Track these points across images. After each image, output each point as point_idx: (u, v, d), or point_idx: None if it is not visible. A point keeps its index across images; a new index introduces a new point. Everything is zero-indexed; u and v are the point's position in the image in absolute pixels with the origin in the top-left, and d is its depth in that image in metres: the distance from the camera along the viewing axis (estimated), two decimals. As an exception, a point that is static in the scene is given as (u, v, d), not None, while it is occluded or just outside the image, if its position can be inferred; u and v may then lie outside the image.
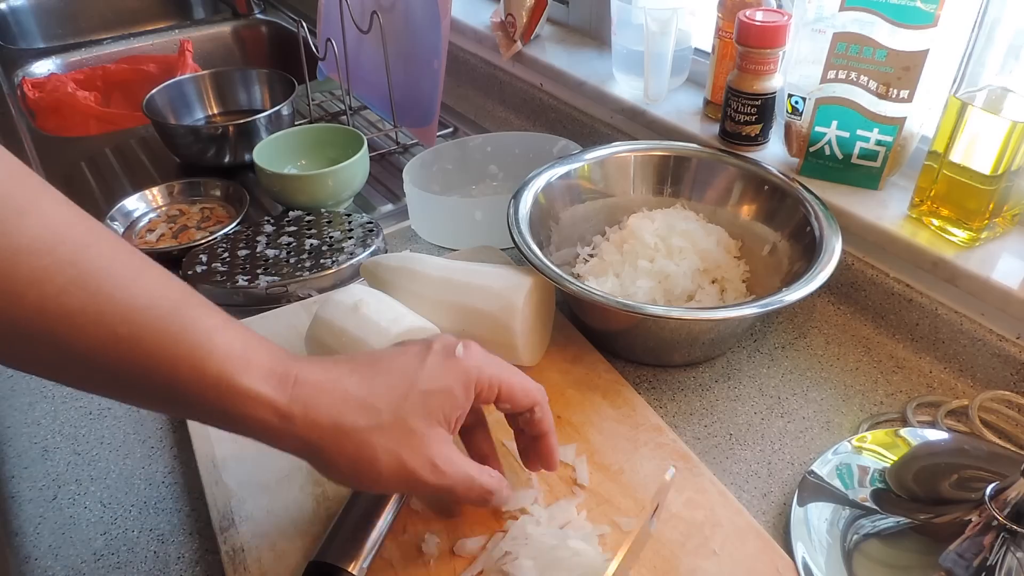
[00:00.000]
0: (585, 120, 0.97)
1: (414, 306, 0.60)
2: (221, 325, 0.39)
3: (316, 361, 0.41)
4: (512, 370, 0.46)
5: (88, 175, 0.99)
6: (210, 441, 0.57)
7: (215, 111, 1.11)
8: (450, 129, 1.08)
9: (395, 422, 0.40)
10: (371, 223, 0.81)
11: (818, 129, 0.70)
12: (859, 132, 0.68)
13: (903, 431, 0.57)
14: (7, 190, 0.35)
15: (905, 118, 0.66)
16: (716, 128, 0.80)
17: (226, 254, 0.77)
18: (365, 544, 0.46)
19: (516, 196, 0.68)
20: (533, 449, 0.49)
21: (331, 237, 0.79)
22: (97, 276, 0.36)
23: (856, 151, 0.69)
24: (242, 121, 0.94)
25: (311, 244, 0.77)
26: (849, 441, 0.56)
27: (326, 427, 0.39)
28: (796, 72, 0.71)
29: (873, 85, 0.66)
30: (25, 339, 0.35)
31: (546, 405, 0.47)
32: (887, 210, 0.68)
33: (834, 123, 0.69)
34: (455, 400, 0.42)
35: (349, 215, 0.82)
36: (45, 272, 0.34)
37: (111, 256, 0.37)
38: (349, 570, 0.45)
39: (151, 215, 0.87)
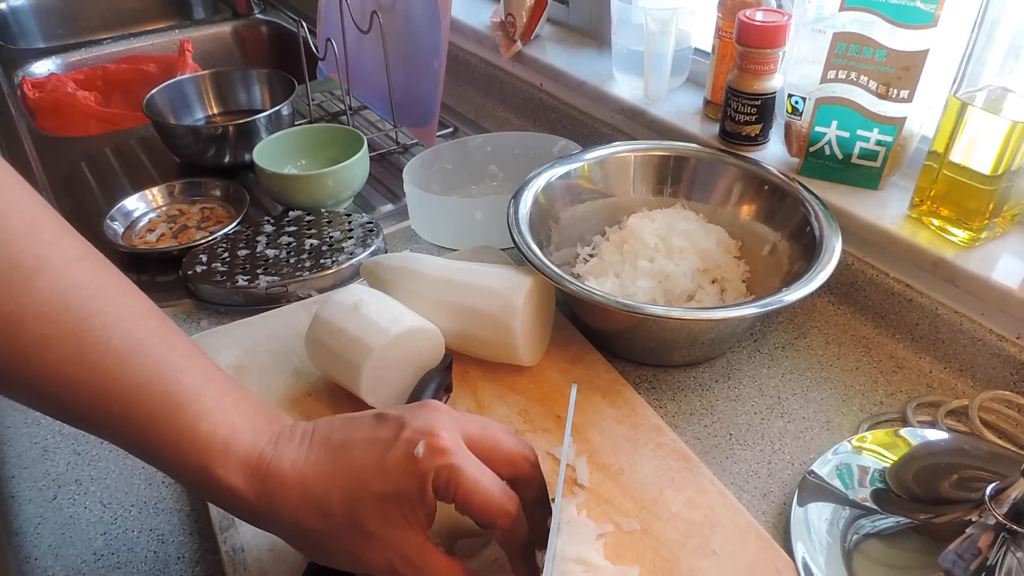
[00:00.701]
0: (585, 120, 0.97)
1: (414, 306, 0.60)
2: (211, 407, 0.40)
3: (293, 446, 0.41)
4: (482, 474, 0.39)
5: (88, 175, 0.99)
6: (210, 441, 0.57)
7: (215, 111, 1.11)
8: (450, 129, 1.08)
9: (350, 527, 0.39)
10: (371, 223, 0.81)
11: (818, 129, 0.70)
12: (859, 132, 0.68)
13: (903, 431, 0.57)
14: (21, 247, 0.35)
15: (905, 118, 0.66)
16: (716, 128, 0.80)
17: (226, 254, 0.77)
18: None
19: (516, 196, 0.68)
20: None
21: (331, 237, 0.79)
22: (96, 350, 0.37)
23: (856, 151, 0.69)
24: (242, 121, 0.94)
25: (311, 244, 0.77)
26: (849, 441, 0.56)
27: (288, 526, 0.40)
28: (796, 72, 0.71)
29: (873, 85, 0.66)
30: (32, 396, 0.37)
31: (512, 531, 0.40)
32: (887, 210, 0.68)
33: (834, 123, 0.69)
34: (412, 502, 0.39)
35: (349, 215, 0.82)
36: (48, 340, 0.35)
37: (112, 326, 0.38)
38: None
39: (151, 215, 0.87)
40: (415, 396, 0.54)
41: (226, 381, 0.42)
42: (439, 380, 0.57)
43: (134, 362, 0.38)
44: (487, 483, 0.40)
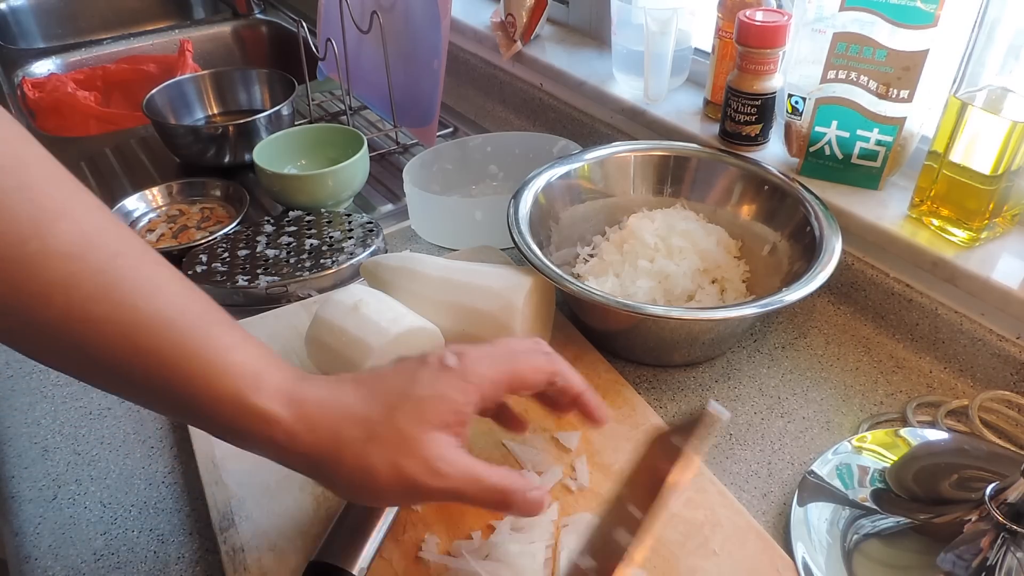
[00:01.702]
0: (585, 120, 0.97)
1: (414, 306, 0.60)
2: (239, 342, 0.40)
3: (322, 380, 0.42)
4: (511, 356, 0.44)
5: (88, 175, 0.99)
6: (210, 441, 0.57)
7: (215, 111, 1.11)
8: (450, 129, 1.08)
9: (390, 431, 0.40)
10: (371, 223, 0.81)
11: (818, 129, 0.70)
12: (859, 132, 0.68)
13: (903, 431, 0.57)
14: (44, 191, 0.36)
15: (905, 118, 0.66)
16: (716, 128, 0.80)
17: (226, 254, 0.77)
18: (365, 544, 0.46)
19: (516, 196, 0.68)
20: (576, 412, 0.48)
21: (331, 237, 0.79)
22: (123, 286, 0.37)
23: (856, 151, 0.69)
24: (242, 121, 0.94)
25: (311, 244, 0.77)
26: (849, 441, 0.56)
27: (326, 443, 0.39)
28: (796, 72, 0.71)
29: (873, 85, 0.66)
30: (50, 340, 0.36)
31: (565, 368, 0.46)
32: (887, 210, 0.68)
33: (834, 123, 0.69)
34: (452, 404, 0.41)
35: (349, 215, 0.82)
36: (74, 277, 0.35)
37: (138, 266, 0.38)
38: (349, 570, 0.45)
39: (151, 215, 0.87)
40: None
41: (244, 330, 0.42)
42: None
43: (161, 298, 0.38)
44: (522, 353, 0.45)
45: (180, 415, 0.41)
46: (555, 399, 0.47)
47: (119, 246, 0.38)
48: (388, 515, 0.48)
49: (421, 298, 0.62)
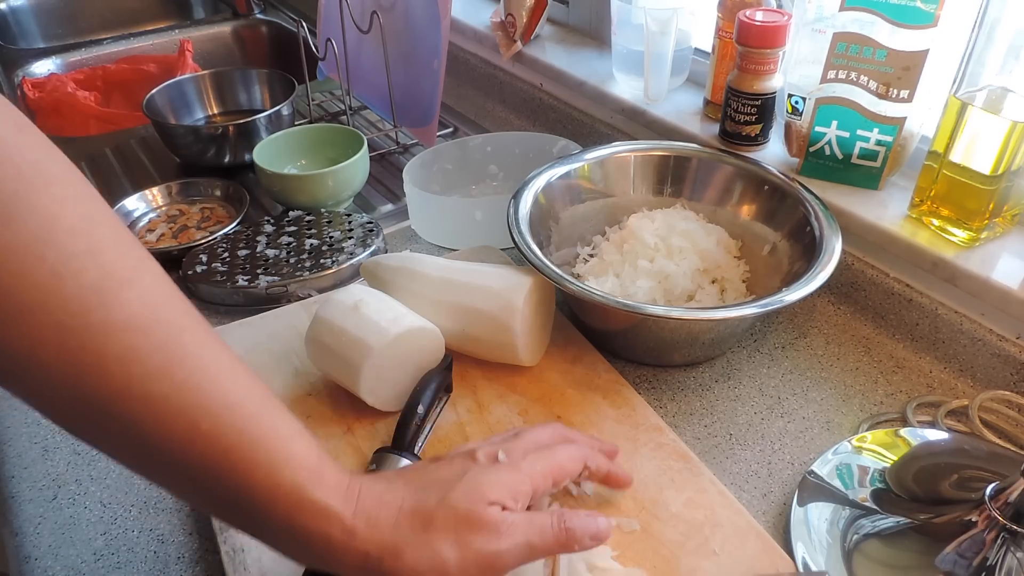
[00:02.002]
0: (585, 120, 0.97)
1: (414, 306, 0.60)
2: (299, 432, 0.38)
3: (372, 476, 0.41)
4: (551, 451, 0.45)
5: (88, 175, 0.99)
6: (210, 441, 0.57)
7: (215, 111, 1.11)
8: (450, 129, 1.08)
9: (448, 514, 0.39)
10: (371, 223, 0.81)
11: (818, 129, 0.70)
12: (859, 132, 0.68)
13: (903, 431, 0.57)
14: (113, 257, 0.34)
15: (905, 118, 0.66)
16: (716, 128, 0.80)
17: (226, 254, 0.77)
18: None
19: (516, 196, 0.68)
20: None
21: (331, 237, 0.79)
22: (187, 364, 0.34)
23: (856, 151, 0.69)
24: (242, 121, 0.94)
25: (311, 244, 0.77)
26: (849, 441, 0.56)
27: (386, 538, 0.38)
28: (796, 72, 0.71)
29: (873, 85, 0.66)
30: (101, 417, 0.34)
31: (592, 453, 0.48)
32: (887, 210, 0.68)
33: (834, 123, 0.69)
34: (507, 487, 0.41)
35: (349, 215, 0.82)
36: (136, 353, 0.33)
37: (203, 343, 0.36)
38: None
39: (151, 215, 0.87)
40: (415, 396, 0.54)
41: (298, 420, 0.40)
42: (439, 380, 0.57)
43: (227, 380, 0.36)
44: (559, 447, 0.46)
45: (229, 509, 0.38)
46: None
47: (184, 320, 0.35)
48: None
49: (421, 298, 0.62)
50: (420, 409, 0.54)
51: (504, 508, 0.40)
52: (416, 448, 0.54)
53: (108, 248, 0.34)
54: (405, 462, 0.51)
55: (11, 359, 0.32)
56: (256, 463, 0.36)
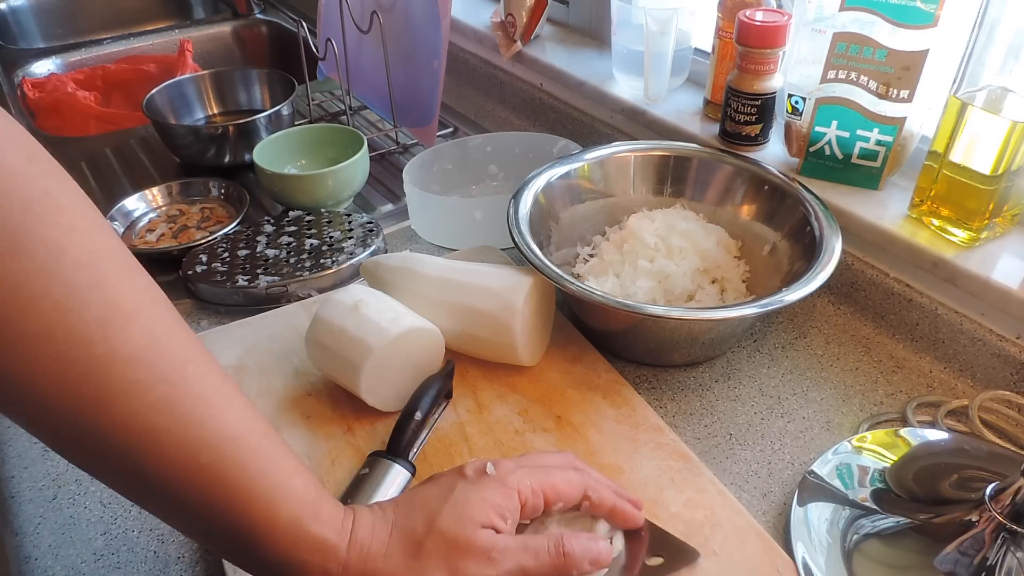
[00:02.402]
0: (585, 120, 0.97)
1: (414, 306, 0.60)
2: (298, 467, 0.39)
3: (365, 508, 0.41)
4: (546, 469, 0.44)
5: (88, 175, 0.99)
6: (210, 441, 0.57)
7: (215, 111, 1.11)
8: (450, 129, 1.08)
9: (437, 540, 0.39)
10: (371, 223, 0.81)
11: (818, 129, 0.70)
12: (859, 132, 0.68)
13: (903, 431, 0.57)
14: (118, 289, 0.34)
15: (905, 118, 0.66)
16: (716, 128, 0.80)
17: (226, 254, 0.77)
18: None
19: (516, 196, 0.68)
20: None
21: (331, 237, 0.79)
22: (190, 398, 0.35)
23: (856, 151, 0.69)
24: (242, 121, 0.94)
25: (311, 244, 0.77)
26: (849, 441, 0.56)
27: (379, 568, 0.39)
28: (796, 72, 0.71)
29: (873, 85, 0.66)
30: (101, 448, 0.34)
31: (596, 484, 0.46)
32: (887, 210, 0.68)
33: (834, 123, 0.69)
34: (494, 505, 0.41)
35: (349, 215, 0.82)
36: (139, 386, 0.33)
37: (206, 376, 0.36)
38: None
39: (151, 215, 0.87)
40: (413, 401, 0.54)
41: (295, 454, 0.41)
42: (439, 386, 0.56)
43: (229, 414, 0.36)
44: (558, 469, 0.45)
45: (227, 543, 0.38)
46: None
47: (187, 353, 0.36)
48: None
49: (421, 298, 0.62)
50: (417, 415, 0.54)
51: (496, 530, 0.40)
52: (411, 453, 0.54)
53: (113, 280, 0.34)
54: (397, 467, 0.52)
55: (11, 387, 0.32)
56: (256, 496, 0.36)
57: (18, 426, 0.34)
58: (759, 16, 0.71)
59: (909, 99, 0.65)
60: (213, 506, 0.35)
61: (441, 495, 0.41)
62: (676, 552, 0.48)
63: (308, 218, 0.82)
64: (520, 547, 0.41)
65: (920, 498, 0.51)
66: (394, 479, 0.51)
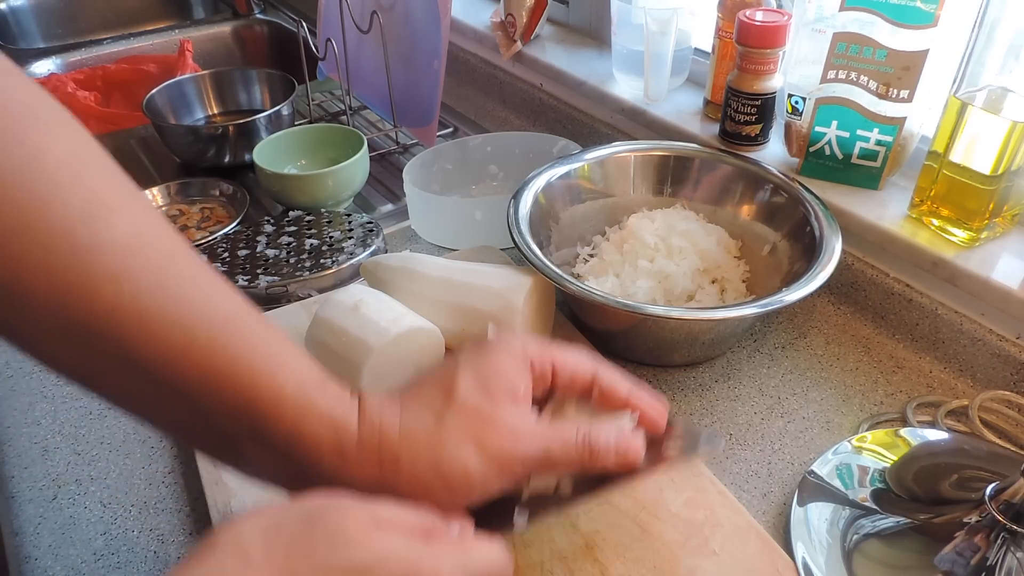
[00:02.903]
0: (585, 120, 0.97)
1: (414, 306, 0.60)
2: (296, 349, 0.38)
3: (374, 391, 0.40)
4: (555, 344, 0.42)
5: (88, 175, 0.99)
6: (210, 441, 0.57)
7: (215, 111, 1.11)
8: (450, 129, 1.08)
9: (460, 412, 0.37)
10: (371, 223, 0.81)
11: (818, 129, 0.70)
12: (859, 132, 0.68)
13: (903, 431, 0.57)
14: (101, 187, 0.34)
15: (905, 118, 0.66)
16: (716, 128, 0.80)
17: (226, 254, 0.77)
18: None
19: (516, 196, 0.68)
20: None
21: (331, 237, 0.79)
22: (180, 283, 0.34)
23: (856, 151, 0.69)
24: (242, 121, 0.94)
25: (311, 244, 0.77)
26: (849, 441, 0.56)
27: (400, 444, 0.37)
28: (796, 72, 0.71)
29: (873, 85, 0.66)
30: (89, 340, 0.33)
31: (609, 371, 0.43)
32: (887, 210, 0.68)
33: (834, 123, 0.69)
34: (510, 370, 0.39)
35: (349, 215, 0.82)
36: (126, 271, 0.33)
37: (193, 266, 0.36)
38: None
39: (151, 215, 0.87)
40: None
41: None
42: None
43: (220, 296, 0.36)
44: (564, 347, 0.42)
45: (228, 427, 0.36)
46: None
47: (174, 248, 0.35)
48: None
49: (421, 298, 0.62)
50: None
51: (514, 396, 0.39)
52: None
53: (96, 178, 0.34)
54: None
55: None
56: (259, 370, 0.35)
57: (4, 338, 0.33)
58: (759, 16, 0.71)
59: (909, 99, 0.65)
60: (213, 385, 0.34)
61: (452, 369, 0.39)
62: (695, 438, 0.44)
63: (308, 218, 0.82)
64: (546, 428, 0.39)
65: (920, 498, 0.51)
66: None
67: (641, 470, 0.42)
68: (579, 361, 0.43)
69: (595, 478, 0.42)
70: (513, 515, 0.41)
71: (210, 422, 0.36)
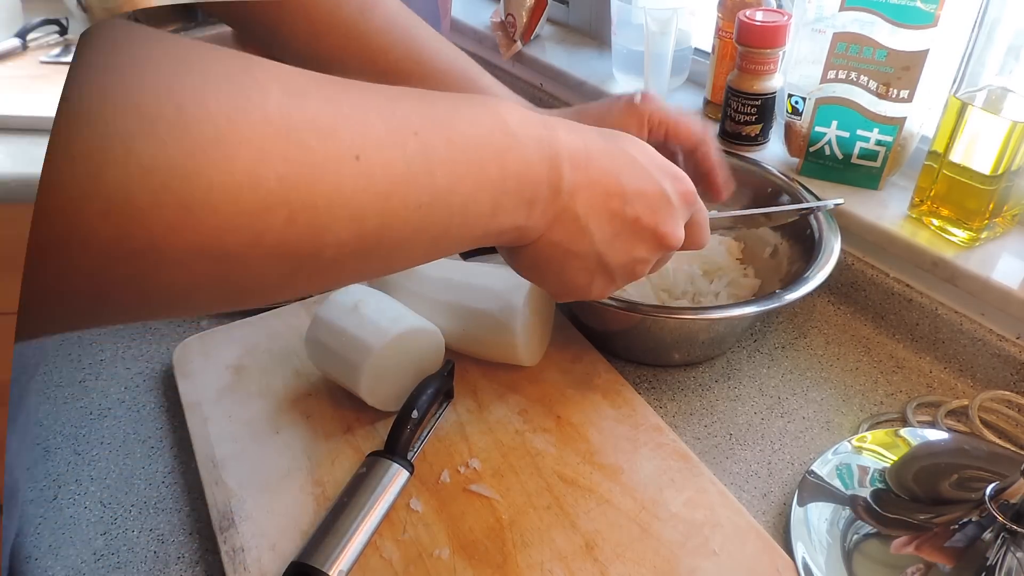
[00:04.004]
0: (585, 120, 0.97)
1: (414, 306, 0.60)
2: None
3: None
4: (682, 113, 0.56)
5: (89, 175, 0.99)
6: (210, 441, 0.57)
7: (216, 112, 1.11)
8: (450, 129, 1.08)
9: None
10: (371, 223, 0.80)
11: (818, 129, 0.70)
12: (859, 132, 0.68)
13: (903, 431, 0.57)
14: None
15: (905, 118, 0.66)
16: (716, 128, 0.80)
17: (226, 254, 0.77)
18: (346, 547, 0.46)
19: (516, 196, 0.68)
20: (705, 182, 0.58)
21: (331, 237, 0.78)
22: (426, 49, 0.55)
23: (856, 151, 0.69)
24: (242, 121, 0.94)
25: (311, 244, 0.77)
26: (849, 441, 0.56)
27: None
28: (796, 72, 0.71)
29: (873, 85, 0.66)
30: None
31: (711, 144, 0.57)
32: (887, 210, 0.68)
33: (834, 123, 0.69)
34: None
35: (349, 215, 0.82)
36: (391, 44, 0.53)
37: (434, 38, 0.56)
38: (327, 572, 0.45)
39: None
40: (411, 401, 0.54)
41: None
42: (437, 385, 0.56)
43: (454, 56, 0.56)
44: (687, 117, 0.57)
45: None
46: (694, 165, 0.58)
47: (420, 28, 0.55)
48: (374, 518, 0.48)
49: (421, 298, 0.62)
50: (415, 414, 0.53)
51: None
52: (411, 453, 0.54)
53: None
54: (396, 467, 0.52)
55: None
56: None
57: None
58: (759, 16, 0.71)
59: (909, 99, 0.65)
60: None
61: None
62: None
63: (308, 218, 0.82)
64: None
65: (920, 498, 0.51)
66: (392, 478, 0.51)
67: None
68: (695, 123, 0.57)
69: None
70: None
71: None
